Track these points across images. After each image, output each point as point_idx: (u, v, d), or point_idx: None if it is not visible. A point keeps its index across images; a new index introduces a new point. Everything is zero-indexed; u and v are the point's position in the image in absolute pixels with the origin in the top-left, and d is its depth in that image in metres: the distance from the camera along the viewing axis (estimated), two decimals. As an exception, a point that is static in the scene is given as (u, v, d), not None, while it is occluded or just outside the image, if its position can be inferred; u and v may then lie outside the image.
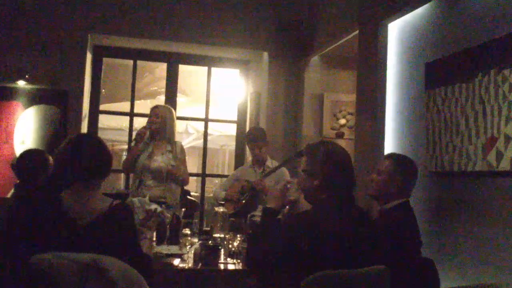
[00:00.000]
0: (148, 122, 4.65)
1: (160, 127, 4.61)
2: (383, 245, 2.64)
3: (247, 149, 6.55)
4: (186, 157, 4.83)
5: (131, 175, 4.98)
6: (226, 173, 8.93)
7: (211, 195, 9.17)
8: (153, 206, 3.65)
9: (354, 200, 2.48)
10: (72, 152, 2.48)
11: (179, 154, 4.66)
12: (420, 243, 3.03)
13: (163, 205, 4.17)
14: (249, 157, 5.12)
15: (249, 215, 4.43)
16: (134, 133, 6.27)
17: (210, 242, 3.23)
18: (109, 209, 2.43)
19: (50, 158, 3.62)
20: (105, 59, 6.38)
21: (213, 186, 9.95)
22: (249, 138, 5.00)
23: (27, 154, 3.81)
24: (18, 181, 3.96)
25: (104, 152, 2.53)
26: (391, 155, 3.28)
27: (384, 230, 2.90)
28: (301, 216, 2.52)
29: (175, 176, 4.58)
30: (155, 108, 4.76)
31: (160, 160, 4.56)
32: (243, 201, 4.70)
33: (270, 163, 4.92)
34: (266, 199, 3.04)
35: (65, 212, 2.37)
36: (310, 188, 2.49)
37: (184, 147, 4.94)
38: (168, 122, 4.67)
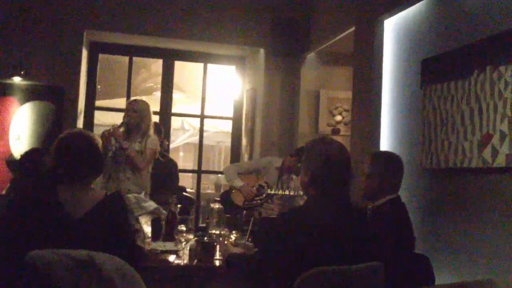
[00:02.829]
0: (125, 116, 4.58)
1: (137, 122, 4.55)
2: (376, 241, 2.64)
3: (243, 146, 6.57)
4: (154, 148, 4.67)
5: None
6: (222, 170, 8.92)
7: (208, 191, 9.21)
8: (149, 203, 3.65)
9: (348, 197, 2.47)
10: (62, 154, 2.51)
11: (148, 144, 4.58)
12: (413, 238, 3.03)
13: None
14: (280, 160, 5.08)
15: (244, 212, 4.44)
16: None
17: (205, 238, 3.23)
18: (104, 198, 2.45)
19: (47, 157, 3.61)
20: (101, 55, 6.38)
21: (209, 183, 9.95)
22: (298, 151, 4.90)
23: (26, 152, 3.80)
24: (12, 178, 3.95)
25: (94, 153, 2.54)
26: (371, 154, 3.29)
27: (376, 226, 2.90)
28: (291, 212, 2.61)
29: (129, 157, 4.47)
30: (133, 102, 4.68)
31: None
32: (257, 202, 4.73)
33: (297, 178, 4.93)
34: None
35: (60, 206, 2.39)
36: (302, 184, 2.51)
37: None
38: (145, 117, 4.61)
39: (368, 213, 3.18)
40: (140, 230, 3.22)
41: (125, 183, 4.45)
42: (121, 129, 4.48)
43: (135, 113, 4.56)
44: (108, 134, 4.44)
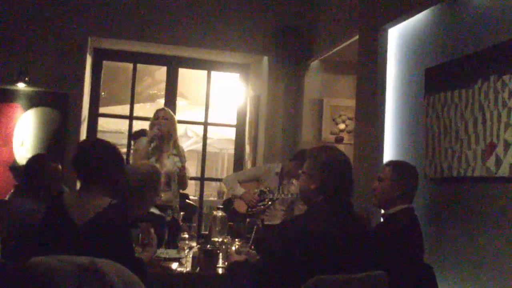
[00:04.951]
0: (156, 125, 4.62)
1: (168, 129, 4.61)
2: (384, 250, 2.64)
3: (246, 153, 6.57)
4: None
5: None
6: (223, 180, 8.93)
7: (211, 198, 9.20)
8: (155, 212, 3.64)
9: (352, 207, 2.48)
10: (73, 156, 2.59)
11: (183, 158, 4.67)
12: (422, 252, 3.02)
13: (169, 210, 4.18)
14: (279, 165, 5.10)
15: (248, 220, 4.43)
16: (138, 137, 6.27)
17: (208, 246, 3.23)
18: (107, 207, 2.46)
19: (55, 165, 3.61)
20: (105, 62, 6.39)
21: (212, 190, 9.94)
22: (297, 155, 4.91)
23: (34, 157, 3.80)
24: (16, 183, 3.95)
25: (101, 161, 2.57)
26: (390, 162, 3.29)
27: (387, 234, 2.90)
28: (294, 220, 2.61)
29: (183, 178, 4.58)
30: (161, 111, 4.75)
31: (168, 164, 4.56)
32: (260, 207, 4.73)
33: (297, 182, 4.93)
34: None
35: (65, 212, 2.41)
36: (307, 190, 2.51)
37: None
38: (175, 124, 4.69)
39: (379, 221, 3.18)
40: (152, 245, 3.19)
41: (167, 196, 4.50)
42: (153, 145, 4.53)
43: (166, 120, 4.62)
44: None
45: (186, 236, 3.43)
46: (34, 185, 3.40)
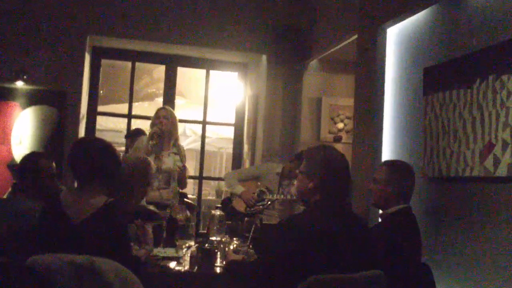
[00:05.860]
0: (157, 124, 4.61)
1: (169, 128, 4.61)
2: (382, 250, 2.64)
3: (245, 152, 6.57)
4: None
5: None
6: (223, 176, 8.92)
7: (209, 197, 9.20)
8: (152, 209, 3.65)
9: (350, 206, 2.49)
10: (69, 154, 2.58)
11: (183, 157, 4.67)
12: (420, 250, 3.03)
13: (167, 208, 4.18)
14: (280, 165, 5.10)
15: (246, 219, 4.44)
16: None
17: (206, 245, 3.23)
18: (103, 206, 2.45)
19: (48, 162, 3.60)
20: (103, 61, 6.38)
21: (210, 189, 9.94)
22: (298, 156, 4.91)
23: (27, 155, 3.80)
24: (14, 182, 3.95)
25: (98, 159, 2.56)
26: (386, 162, 3.29)
27: (385, 234, 2.90)
28: (292, 219, 2.61)
29: (183, 177, 4.58)
30: (162, 110, 4.75)
31: (167, 162, 4.56)
32: (259, 207, 4.73)
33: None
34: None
35: (62, 211, 2.41)
36: (304, 190, 2.52)
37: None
38: (176, 124, 4.69)
39: (377, 221, 3.18)
40: (148, 243, 3.18)
41: (166, 193, 4.50)
42: (153, 142, 4.51)
43: (167, 119, 4.61)
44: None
45: (184, 235, 3.43)
46: (29, 183, 3.40)
